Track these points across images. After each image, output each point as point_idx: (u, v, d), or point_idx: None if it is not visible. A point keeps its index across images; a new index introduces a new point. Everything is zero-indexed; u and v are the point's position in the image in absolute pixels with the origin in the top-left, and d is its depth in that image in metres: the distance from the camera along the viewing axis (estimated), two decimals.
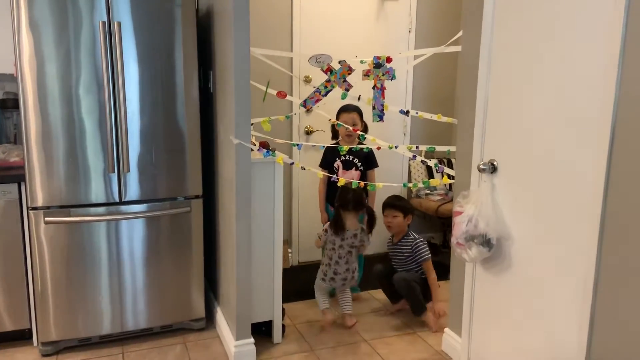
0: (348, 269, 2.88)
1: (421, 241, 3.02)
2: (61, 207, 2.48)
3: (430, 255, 2.99)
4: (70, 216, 2.49)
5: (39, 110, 2.36)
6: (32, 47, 2.31)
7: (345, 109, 3.14)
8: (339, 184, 2.81)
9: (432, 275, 2.98)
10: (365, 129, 3.14)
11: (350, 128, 2.96)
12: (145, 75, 2.51)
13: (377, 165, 3.25)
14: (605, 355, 1.75)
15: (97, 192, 2.52)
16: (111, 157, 2.50)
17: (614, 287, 1.70)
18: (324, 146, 3.03)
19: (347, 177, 3.00)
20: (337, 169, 3.16)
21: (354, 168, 3.17)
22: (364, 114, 3.15)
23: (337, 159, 3.17)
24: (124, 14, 2.42)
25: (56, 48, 2.34)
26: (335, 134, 3.29)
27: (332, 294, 3.11)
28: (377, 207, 3.21)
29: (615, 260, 1.69)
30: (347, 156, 3.15)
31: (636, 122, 1.59)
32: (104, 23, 2.38)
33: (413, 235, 3.05)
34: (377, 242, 3.88)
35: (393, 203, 3.08)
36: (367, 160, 3.21)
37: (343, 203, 2.86)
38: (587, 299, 1.78)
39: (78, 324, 2.59)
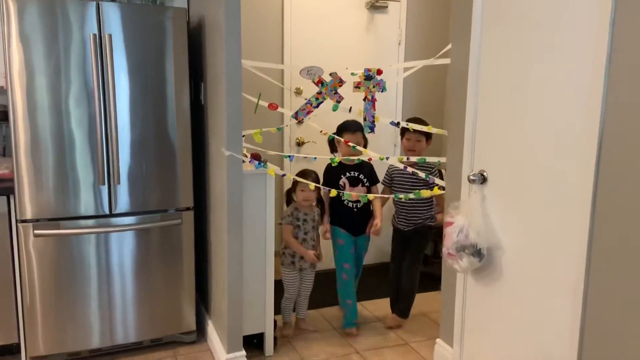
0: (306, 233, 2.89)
1: (439, 171, 3.04)
2: (50, 219, 2.45)
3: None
4: (59, 229, 2.47)
5: (29, 122, 2.35)
6: (22, 59, 2.30)
7: (347, 129, 2.94)
8: (330, 195, 2.82)
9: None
10: (365, 145, 3.01)
11: (359, 148, 2.89)
12: (136, 87, 2.51)
13: (379, 181, 3.15)
14: None
15: (87, 205, 2.50)
16: (101, 169, 2.49)
17: (604, 297, 1.72)
18: (315, 157, 3.04)
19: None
20: (344, 187, 2.97)
21: (360, 184, 3.02)
22: None
23: (342, 176, 2.99)
24: (114, 26, 2.43)
25: (46, 60, 2.34)
26: (333, 149, 3.13)
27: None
28: (386, 222, 3.21)
29: (605, 270, 1.71)
30: (353, 172, 3.01)
31: (622, 132, 1.62)
32: (94, 35, 2.38)
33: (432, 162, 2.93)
34: (374, 251, 3.88)
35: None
36: (372, 176, 3.09)
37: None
38: (577, 309, 1.80)
39: (67, 338, 2.56)
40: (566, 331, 1.86)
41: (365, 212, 3.05)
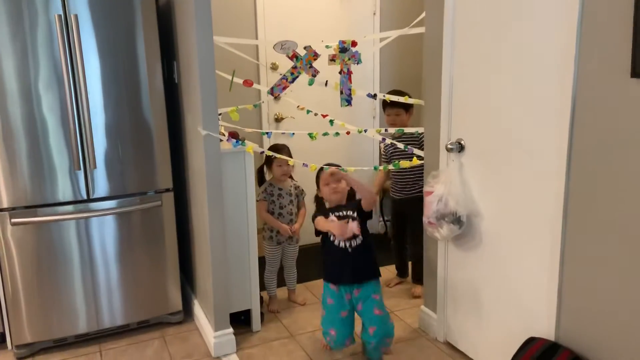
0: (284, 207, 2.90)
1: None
2: (27, 207, 2.42)
3: None
4: (37, 216, 2.43)
5: None
6: None
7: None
8: (311, 170, 2.79)
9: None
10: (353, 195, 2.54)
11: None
12: (107, 69, 2.46)
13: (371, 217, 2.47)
14: (574, 322, 1.82)
15: (64, 191, 2.47)
16: (76, 154, 2.45)
17: (579, 258, 1.77)
18: (293, 133, 3.02)
19: (345, 230, 2.29)
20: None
21: (350, 220, 2.35)
22: (332, 99, 3.10)
23: (330, 214, 2.41)
24: (80, 6, 2.35)
25: (12, 44, 2.27)
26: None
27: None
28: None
29: (579, 231, 1.75)
30: (342, 212, 2.39)
31: (595, 97, 1.64)
32: (59, 16, 2.31)
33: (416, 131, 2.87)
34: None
35: (393, 101, 2.90)
36: (359, 210, 2.45)
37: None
38: (555, 270, 1.85)
39: (53, 324, 2.55)
40: (545, 291, 1.91)
41: (365, 253, 2.35)
